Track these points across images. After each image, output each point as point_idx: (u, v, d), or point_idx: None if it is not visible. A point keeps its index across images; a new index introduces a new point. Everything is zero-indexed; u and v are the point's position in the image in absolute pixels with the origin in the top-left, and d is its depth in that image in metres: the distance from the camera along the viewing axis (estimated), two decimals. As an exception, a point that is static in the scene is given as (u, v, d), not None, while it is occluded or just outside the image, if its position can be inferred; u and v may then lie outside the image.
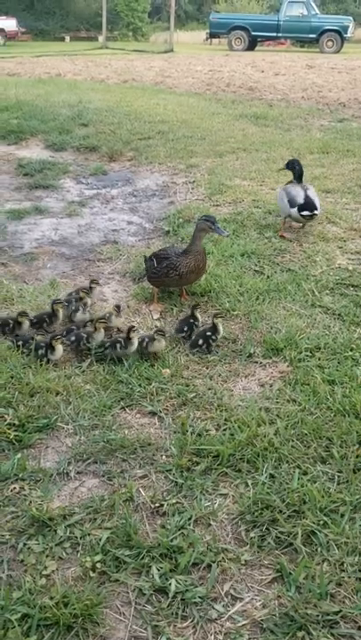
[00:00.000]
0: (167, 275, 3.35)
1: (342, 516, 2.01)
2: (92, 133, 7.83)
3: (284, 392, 2.69)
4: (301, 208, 4.32)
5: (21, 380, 2.70)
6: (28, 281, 3.88)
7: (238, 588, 1.81)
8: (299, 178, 4.61)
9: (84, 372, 2.84)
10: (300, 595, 1.76)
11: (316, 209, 4.32)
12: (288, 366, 2.90)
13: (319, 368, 2.85)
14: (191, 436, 2.37)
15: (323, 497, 2.07)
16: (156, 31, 41.92)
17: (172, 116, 9.03)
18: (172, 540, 1.91)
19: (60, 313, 3.19)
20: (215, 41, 32.87)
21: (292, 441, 2.36)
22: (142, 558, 1.87)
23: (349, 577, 1.81)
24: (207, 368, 2.90)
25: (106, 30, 30.01)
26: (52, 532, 1.96)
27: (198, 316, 3.17)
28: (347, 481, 2.17)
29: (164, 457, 2.31)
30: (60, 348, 2.87)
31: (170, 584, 1.78)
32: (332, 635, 1.66)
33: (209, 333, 2.99)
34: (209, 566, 1.86)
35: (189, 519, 2.01)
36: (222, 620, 1.71)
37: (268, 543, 1.94)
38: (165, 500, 2.09)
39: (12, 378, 2.72)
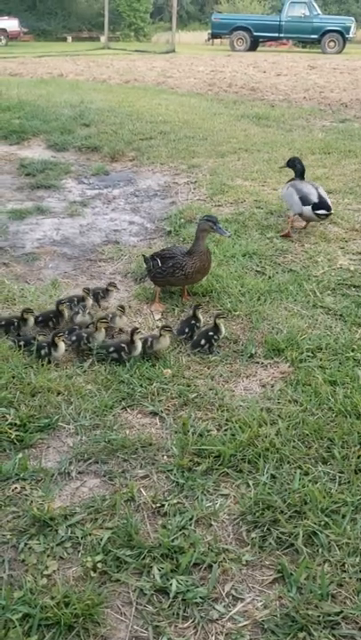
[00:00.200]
0: (173, 274, 3.36)
1: (344, 516, 2.01)
2: (93, 133, 7.83)
3: (285, 392, 2.69)
4: (316, 207, 4.28)
5: (23, 380, 2.70)
6: (29, 281, 3.88)
7: (239, 588, 1.80)
8: (301, 176, 4.61)
9: (85, 371, 2.84)
10: (301, 595, 1.76)
11: (330, 208, 4.30)
12: (289, 367, 2.89)
13: (321, 369, 2.85)
14: (192, 437, 2.37)
15: (324, 497, 2.07)
16: (158, 31, 41.98)
17: (173, 116, 9.03)
18: (173, 541, 1.91)
19: (66, 313, 3.21)
20: (217, 41, 32.90)
21: (294, 441, 2.36)
22: (143, 558, 1.87)
23: (351, 578, 1.81)
24: (208, 368, 2.90)
25: (108, 31, 30.02)
26: (53, 531, 1.96)
27: (200, 316, 3.17)
28: (348, 481, 2.16)
29: (165, 457, 2.31)
30: (62, 345, 2.88)
31: (171, 584, 1.78)
32: (334, 635, 1.66)
33: (211, 333, 2.99)
34: (210, 567, 1.86)
35: (190, 519, 2.01)
36: (223, 620, 1.71)
37: (270, 544, 1.94)
38: (166, 501, 2.09)
39: (13, 377, 2.72)
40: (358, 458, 2.26)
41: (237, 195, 5.42)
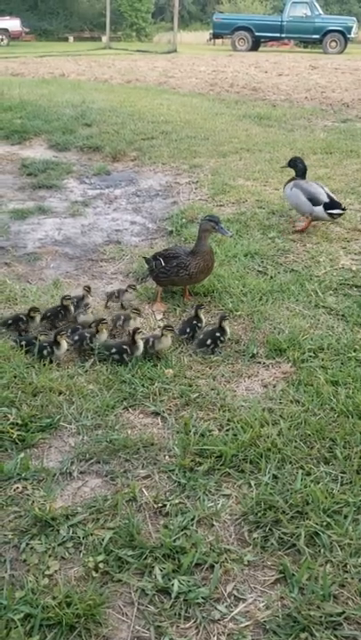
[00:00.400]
0: (177, 274, 3.36)
1: (346, 517, 2.00)
2: (95, 133, 7.84)
3: (287, 393, 2.69)
4: (328, 206, 4.26)
5: (24, 380, 2.70)
6: (31, 281, 3.88)
7: (241, 588, 1.80)
8: (303, 175, 4.59)
9: (86, 371, 2.84)
10: (303, 596, 1.75)
11: (343, 207, 4.29)
12: (291, 367, 2.89)
13: (323, 369, 2.84)
14: (194, 437, 2.37)
15: (326, 498, 2.07)
16: (160, 31, 41.97)
17: (175, 116, 9.03)
18: (174, 541, 1.91)
19: (72, 308, 3.25)
20: (218, 41, 32.87)
21: (296, 442, 2.36)
22: (145, 558, 1.87)
23: (353, 578, 1.81)
24: (210, 368, 2.90)
25: (109, 31, 30.04)
26: (54, 531, 1.96)
27: (202, 316, 3.17)
28: (350, 482, 2.16)
29: (166, 457, 2.31)
30: (64, 344, 2.89)
31: (173, 584, 1.78)
32: (336, 636, 1.65)
33: (218, 334, 3.00)
34: (212, 567, 1.85)
35: (192, 519, 2.01)
36: (225, 620, 1.71)
37: (271, 544, 1.93)
38: (168, 501, 2.09)
39: (15, 377, 2.72)
40: (360, 458, 2.26)
41: (239, 195, 5.42)
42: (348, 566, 1.84)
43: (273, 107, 10.61)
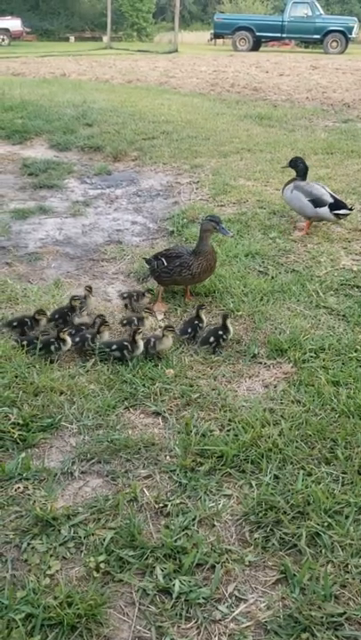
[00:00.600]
0: (180, 273, 3.36)
1: (347, 517, 2.00)
2: (96, 133, 7.84)
3: (288, 393, 2.69)
4: (334, 207, 4.24)
5: (26, 380, 2.70)
6: (32, 280, 3.88)
7: (242, 589, 1.80)
8: (303, 176, 4.59)
9: (88, 371, 2.84)
10: (304, 596, 1.75)
11: (350, 207, 4.28)
12: (292, 367, 2.89)
13: (324, 369, 2.84)
14: (195, 437, 2.37)
15: (327, 498, 2.07)
16: (161, 31, 42.01)
17: (176, 116, 9.03)
18: (175, 541, 1.91)
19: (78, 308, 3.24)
20: (219, 41, 32.89)
21: (297, 442, 2.36)
22: (146, 559, 1.87)
23: (354, 579, 1.81)
24: (211, 368, 2.90)
25: (110, 30, 30.04)
26: (55, 531, 1.96)
27: (203, 317, 3.16)
28: (351, 482, 2.16)
29: (168, 457, 2.31)
30: (69, 340, 2.91)
31: (174, 584, 1.78)
32: (337, 637, 1.65)
33: (221, 332, 3.01)
34: (213, 567, 1.85)
35: (193, 520, 2.01)
36: (226, 621, 1.71)
37: (273, 544, 1.93)
38: (169, 501, 2.09)
39: (16, 377, 2.72)
40: (361, 458, 2.26)
41: (240, 195, 5.42)
42: (349, 567, 1.84)
43: (274, 107, 10.61)
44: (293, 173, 4.67)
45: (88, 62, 19.10)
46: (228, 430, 2.43)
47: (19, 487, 2.13)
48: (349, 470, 2.21)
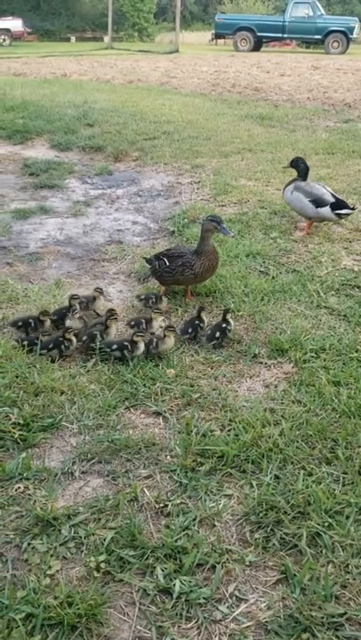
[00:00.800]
0: (182, 273, 3.36)
1: (347, 517, 2.00)
2: (97, 133, 7.84)
3: (289, 393, 2.68)
4: (335, 206, 4.23)
5: (26, 380, 2.70)
6: (33, 280, 3.89)
7: (243, 589, 1.80)
8: (304, 176, 4.58)
9: (88, 371, 2.84)
10: (304, 596, 1.75)
11: (352, 206, 4.28)
12: (293, 367, 2.89)
13: (324, 369, 2.84)
14: (196, 437, 2.37)
15: (328, 498, 2.06)
16: (162, 32, 42.04)
17: (177, 116, 9.03)
18: (176, 541, 1.91)
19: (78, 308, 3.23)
20: (220, 42, 32.93)
21: (297, 442, 2.35)
22: (147, 558, 1.86)
23: (354, 579, 1.80)
24: (212, 368, 2.90)
25: (111, 31, 30.08)
26: (56, 531, 1.96)
27: (204, 317, 3.16)
28: (352, 482, 2.16)
29: (168, 457, 2.31)
30: (74, 339, 2.92)
31: (174, 584, 1.78)
32: (337, 637, 1.65)
33: (224, 325, 3.04)
34: (213, 567, 1.85)
35: (194, 520, 2.01)
36: (227, 621, 1.71)
37: (273, 544, 1.93)
38: (170, 501, 2.09)
39: (17, 377, 2.72)
40: (362, 459, 2.26)
41: (241, 195, 5.42)
42: (349, 567, 1.84)
43: (275, 107, 10.60)
44: (295, 173, 4.67)
45: (89, 62, 19.11)
46: (229, 430, 2.43)
47: (19, 487, 2.13)
48: (350, 470, 2.21)
